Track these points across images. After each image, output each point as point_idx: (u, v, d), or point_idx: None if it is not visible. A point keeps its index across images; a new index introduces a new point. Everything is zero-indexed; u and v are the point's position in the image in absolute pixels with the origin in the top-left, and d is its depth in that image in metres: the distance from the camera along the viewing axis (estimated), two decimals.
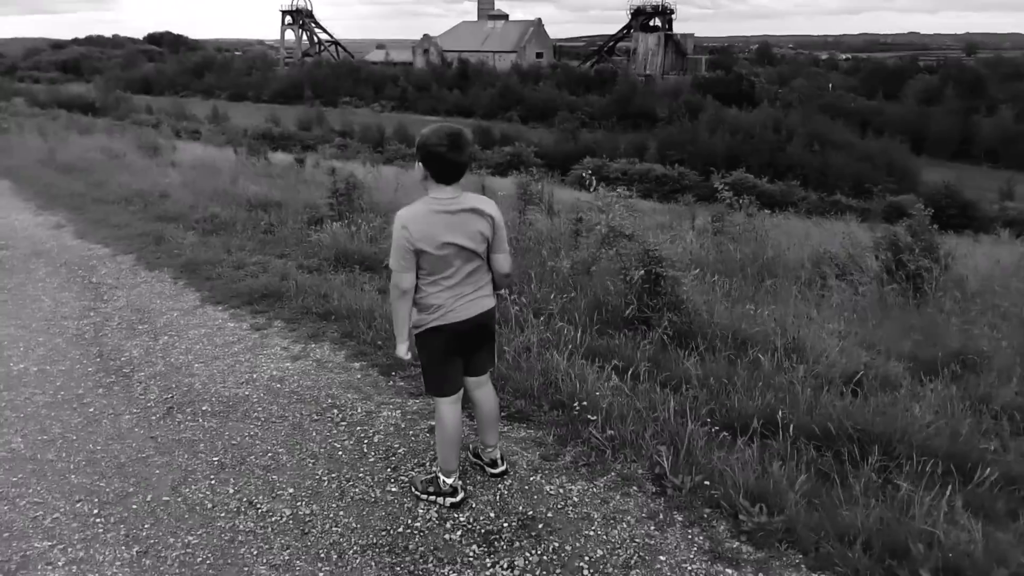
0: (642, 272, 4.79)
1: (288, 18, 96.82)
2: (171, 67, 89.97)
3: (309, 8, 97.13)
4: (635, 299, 4.73)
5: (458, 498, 2.85)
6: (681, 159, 44.62)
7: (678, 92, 67.58)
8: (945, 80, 66.67)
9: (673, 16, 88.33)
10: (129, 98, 59.44)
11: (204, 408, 3.71)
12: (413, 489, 2.94)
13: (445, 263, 2.57)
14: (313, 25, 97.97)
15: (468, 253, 2.59)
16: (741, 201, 8.79)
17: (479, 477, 3.03)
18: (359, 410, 3.59)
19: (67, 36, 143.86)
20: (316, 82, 78.09)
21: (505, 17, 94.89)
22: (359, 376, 3.98)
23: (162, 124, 36.57)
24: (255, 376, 4.06)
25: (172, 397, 3.85)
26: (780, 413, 3.15)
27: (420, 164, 2.56)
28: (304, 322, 4.87)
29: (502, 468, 3.02)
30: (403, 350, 2.71)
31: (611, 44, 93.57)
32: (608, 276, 5.01)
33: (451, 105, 71.04)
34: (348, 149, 37.94)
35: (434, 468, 2.98)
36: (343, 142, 45.03)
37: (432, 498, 2.87)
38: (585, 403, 3.27)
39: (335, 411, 3.60)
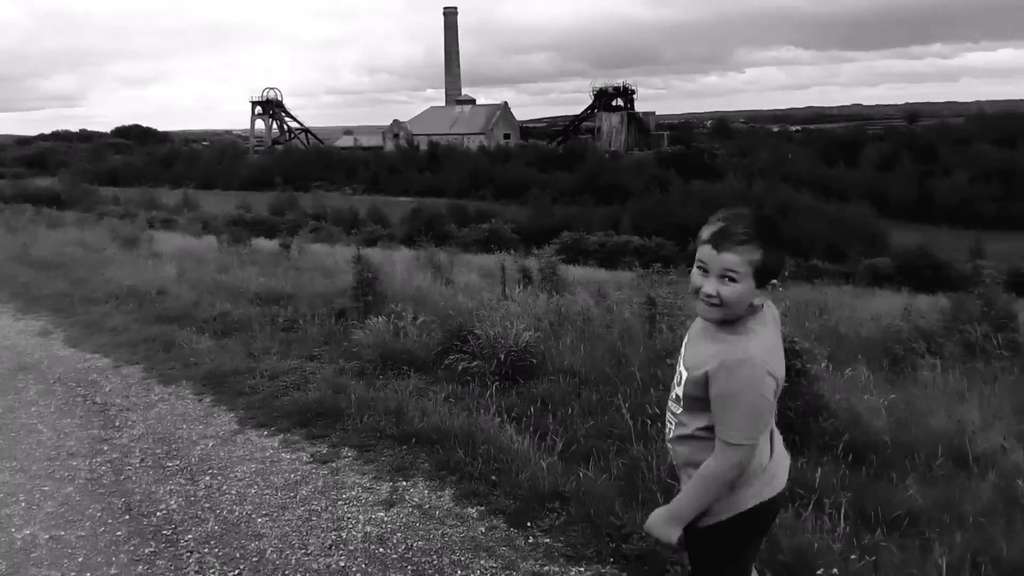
0: None
1: (258, 108, 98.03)
2: (139, 159, 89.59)
3: (279, 99, 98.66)
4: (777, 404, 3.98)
5: None
6: (656, 230, 45.05)
7: (643, 167, 69.28)
8: (897, 147, 69.78)
9: (635, 95, 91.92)
10: (96, 190, 58.41)
11: None
12: None
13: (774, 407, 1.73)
14: (283, 114, 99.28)
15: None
16: None
17: None
18: None
19: (34, 132, 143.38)
20: (286, 168, 78.26)
21: (472, 101, 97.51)
22: (483, 530, 3.07)
23: (134, 215, 35.54)
24: (345, 535, 3.12)
25: (241, 574, 2.89)
26: None
27: (754, 268, 1.61)
28: (379, 449, 3.96)
29: None
30: (678, 534, 1.77)
31: (576, 123, 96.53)
32: None
33: (423, 186, 71.54)
34: (322, 231, 37.42)
35: None
36: (317, 225, 44.54)
37: None
38: (836, 572, 2.41)
39: None
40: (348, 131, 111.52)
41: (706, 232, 1.66)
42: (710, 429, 1.71)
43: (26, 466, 4.07)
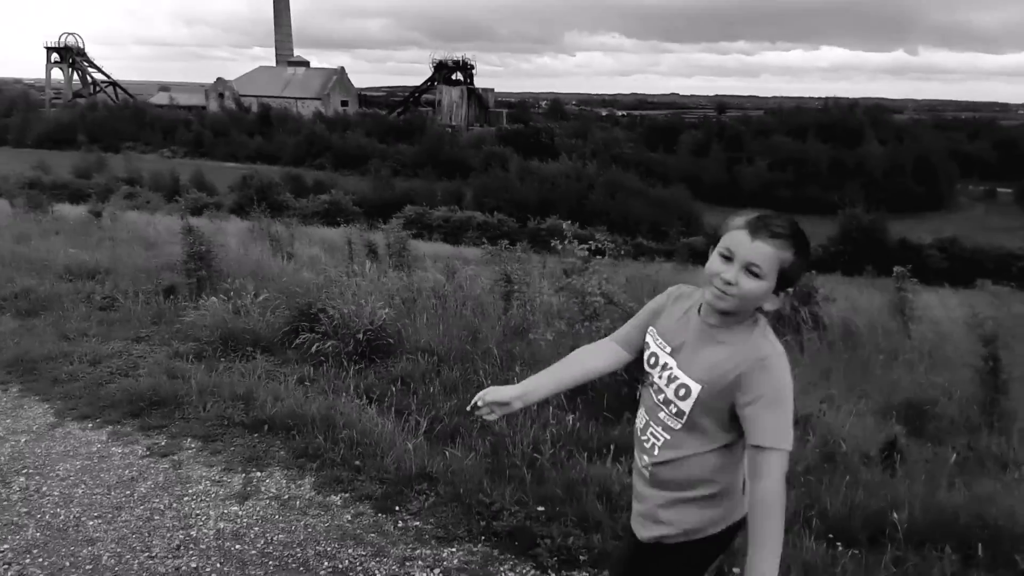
0: None
1: (55, 56, 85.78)
2: None
3: (80, 46, 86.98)
4: (624, 372, 4.24)
5: None
6: (498, 206, 45.92)
7: (483, 143, 70.02)
8: (709, 135, 76.37)
9: (474, 71, 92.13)
10: None
11: None
12: None
13: None
14: (85, 64, 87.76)
15: None
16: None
17: None
18: (379, 575, 2.62)
19: None
20: (92, 125, 69.59)
21: (306, 64, 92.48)
22: (349, 518, 2.97)
23: None
24: (195, 534, 2.88)
25: None
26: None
27: (781, 266, 1.48)
28: (227, 439, 3.69)
29: None
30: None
31: (416, 95, 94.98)
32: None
33: (253, 151, 67.02)
34: (138, 198, 33.91)
35: None
36: (132, 190, 40.26)
37: None
38: None
39: None
40: (164, 87, 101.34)
41: (741, 219, 1.53)
42: (728, 446, 1.57)
43: None
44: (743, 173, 63.26)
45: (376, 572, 2.62)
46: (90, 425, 3.90)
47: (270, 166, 59.27)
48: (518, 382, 1.79)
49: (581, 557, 2.65)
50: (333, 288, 6.24)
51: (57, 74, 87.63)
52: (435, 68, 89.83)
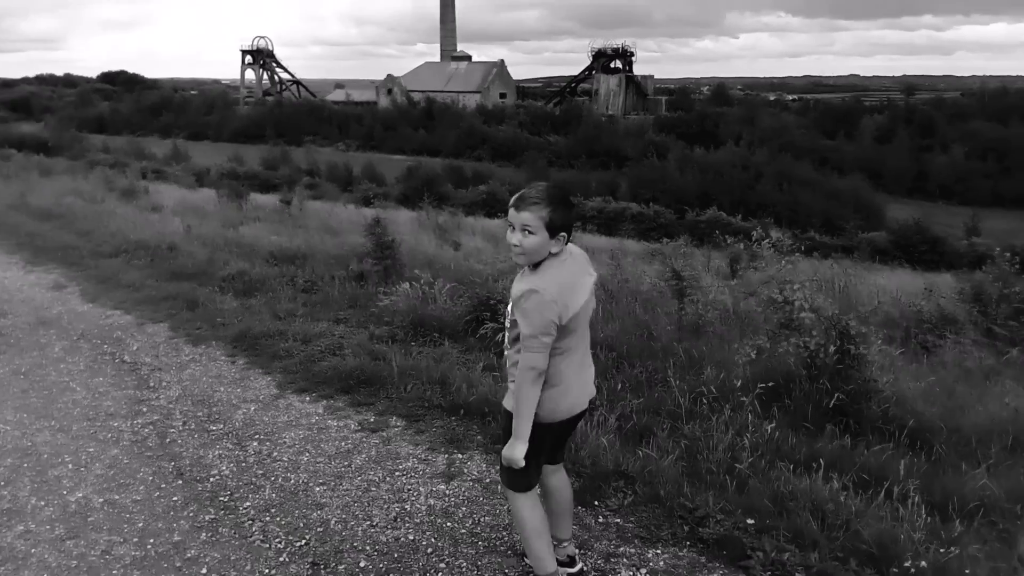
0: (834, 350, 4.04)
1: (249, 58, 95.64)
2: (127, 106, 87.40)
3: (270, 48, 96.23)
4: (827, 383, 3.97)
5: None
6: (654, 197, 44.79)
7: (642, 132, 68.56)
8: (894, 120, 69.34)
9: (633, 58, 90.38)
10: (84, 137, 57.14)
11: (362, 564, 2.73)
12: None
13: (583, 322, 2.34)
14: (274, 64, 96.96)
15: (590, 307, 2.36)
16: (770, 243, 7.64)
17: None
18: (584, 567, 2.66)
19: (16, 75, 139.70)
20: (278, 121, 76.76)
21: (469, 58, 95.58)
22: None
23: (125, 164, 34.84)
24: (408, 508, 3.09)
25: (308, 545, 2.86)
26: None
27: (544, 223, 2.16)
28: (429, 420, 3.92)
29: (579, 566, 2.60)
30: (523, 452, 2.24)
31: (573, 85, 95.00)
32: (785, 354, 4.22)
33: (418, 144, 70.52)
34: (317, 188, 36.91)
35: None
36: (311, 181, 43.95)
37: None
38: (924, 565, 2.40)
39: None
40: (339, 84, 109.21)
41: (512, 199, 2.18)
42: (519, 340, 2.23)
43: (66, 426, 4.01)
44: (934, 162, 56.88)
45: (584, 561, 2.66)
46: (307, 398, 4.31)
47: (432, 158, 62.12)
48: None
49: (796, 575, 2.51)
50: (507, 279, 6.42)
51: (249, 74, 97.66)
52: (593, 57, 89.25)
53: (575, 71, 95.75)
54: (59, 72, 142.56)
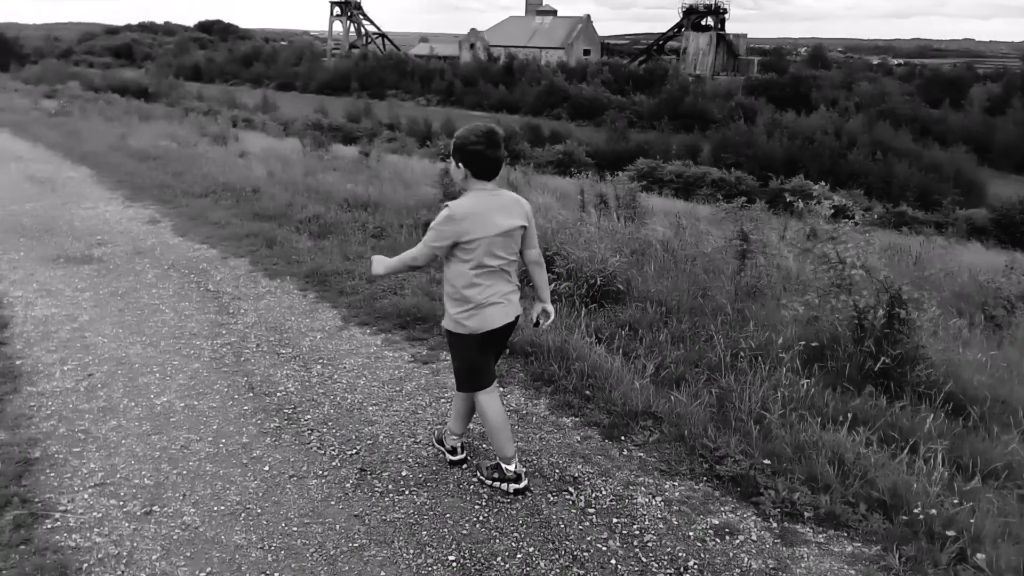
0: (882, 313, 4.02)
1: (337, 9, 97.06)
2: (221, 55, 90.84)
3: (358, 0, 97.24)
4: (873, 347, 3.96)
5: (522, 484, 2.87)
6: (737, 163, 43.34)
7: (730, 94, 65.94)
8: (1009, 89, 63.94)
9: (726, 16, 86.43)
10: (181, 84, 59.94)
11: (404, 474, 3.02)
12: (479, 474, 2.98)
13: (496, 253, 2.67)
14: (361, 17, 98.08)
15: (510, 243, 2.71)
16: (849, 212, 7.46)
17: None
18: (603, 492, 2.86)
19: (121, 22, 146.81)
20: (363, 74, 78.05)
21: (554, 13, 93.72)
22: (579, 439, 3.25)
23: (217, 112, 36.47)
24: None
25: (358, 454, 3.17)
26: None
27: (460, 164, 2.65)
28: None
29: (462, 456, 3.09)
30: (379, 274, 2.94)
31: (660, 43, 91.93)
32: (833, 315, 4.22)
33: (496, 101, 70.35)
34: (396, 141, 37.57)
35: (498, 462, 2.95)
36: (392, 135, 44.73)
37: (497, 484, 2.90)
38: (934, 512, 2.48)
39: (572, 491, 2.87)
40: (423, 38, 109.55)
41: None
42: (449, 263, 2.73)
43: (155, 342, 4.48)
44: None
45: (601, 488, 2.86)
46: (368, 331, 4.64)
47: (511, 115, 61.90)
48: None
49: (806, 514, 2.63)
50: (566, 233, 6.55)
51: (337, 27, 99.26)
52: (684, 13, 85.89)
53: (663, 28, 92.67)
54: (159, 20, 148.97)
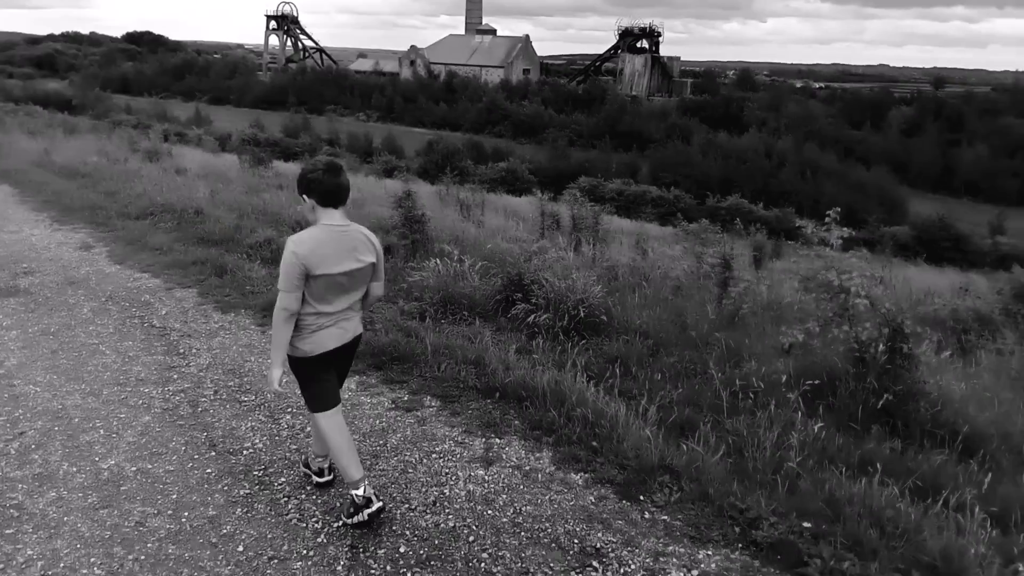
0: (883, 348, 3.90)
1: (273, 23, 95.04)
2: (151, 67, 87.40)
3: (295, 14, 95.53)
4: (875, 382, 3.83)
5: (374, 507, 2.75)
6: (675, 181, 44.34)
7: (666, 114, 67.70)
8: (923, 113, 67.94)
9: (660, 39, 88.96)
10: (108, 97, 57.25)
11: (402, 550, 2.66)
12: (342, 517, 2.85)
13: (339, 287, 2.73)
14: (298, 31, 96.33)
15: (357, 280, 2.78)
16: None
17: None
18: (632, 566, 2.57)
19: (43, 32, 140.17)
20: (300, 88, 76.48)
21: (493, 32, 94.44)
22: (593, 500, 2.96)
23: (148, 125, 34.87)
24: (447, 492, 3.01)
25: (347, 528, 2.79)
26: None
27: (305, 195, 2.73)
28: (464, 401, 3.84)
29: (328, 478, 3.08)
30: (277, 376, 2.72)
31: (598, 63, 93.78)
32: (831, 347, 4.09)
33: (438, 118, 70.07)
34: (337, 158, 36.75)
35: (347, 491, 2.85)
36: (332, 151, 43.81)
37: (358, 519, 2.76)
38: None
39: (596, 565, 2.57)
40: (362, 54, 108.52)
41: None
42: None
43: (96, 390, 3.96)
44: (961, 158, 55.80)
45: (629, 562, 2.58)
46: None
47: (453, 132, 61.73)
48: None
49: None
50: (537, 259, 6.31)
51: (273, 40, 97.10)
52: (620, 35, 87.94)
53: (599, 49, 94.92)
54: (84, 30, 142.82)
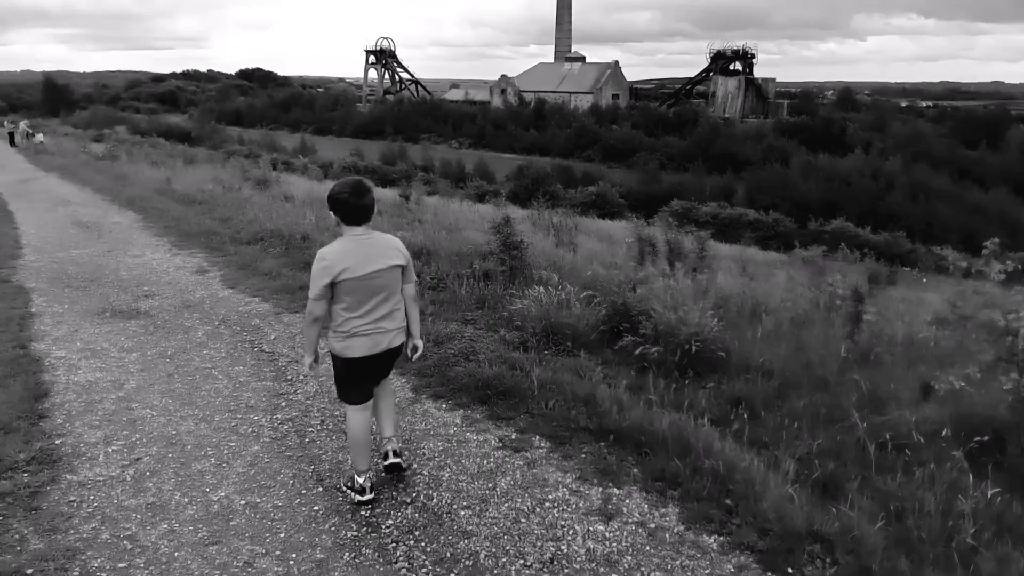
0: None
1: (372, 57, 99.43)
2: (261, 101, 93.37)
3: (392, 49, 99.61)
4: None
5: (366, 497, 3.07)
6: (773, 204, 42.60)
7: (761, 135, 65.57)
8: None
9: (754, 60, 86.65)
10: (223, 129, 61.37)
11: None
12: (340, 482, 3.23)
13: (367, 290, 2.93)
14: (395, 64, 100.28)
15: (384, 281, 2.98)
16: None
17: None
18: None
19: (166, 71, 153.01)
20: (397, 118, 79.35)
21: (582, 59, 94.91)
22: (732, 569, 2.62)
23: (258, 155, 36.98)
24: (565, 549, 2.76)
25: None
26: None
27: (332, 212, 2.98)
28: (576, 443, 3.59)
29: (397, 460, 3.27)
30: (308, 362, 3.13)
31: (688, 87, 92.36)
32: (998, 393, 3.57)
33: (527, 143, 70.77)
34: (431, 184, 37.63)
35: (352, 471, 3.16)
36: (426, 176, 44.98)
37: (347, 491, 3.13)
38: None
39: None
40: (454, 84, 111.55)
41: None
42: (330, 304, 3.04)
43: (208, 416, 3.98)
44: None
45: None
46: (444, 405, 4.09)
47: (542, 157, 62.14)
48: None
49: None
50: (646, 288, 5.99)
51: (372, 73, 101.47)
52: (712, 58, 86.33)
53: (688, 73, 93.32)
54: (203, 68, 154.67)
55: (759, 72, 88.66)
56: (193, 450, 3.58)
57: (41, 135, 28.80)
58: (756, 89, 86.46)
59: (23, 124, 31.81)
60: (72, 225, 10.35)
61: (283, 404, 4.15)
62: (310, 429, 3.83)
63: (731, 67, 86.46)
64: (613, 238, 15.05)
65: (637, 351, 4.84)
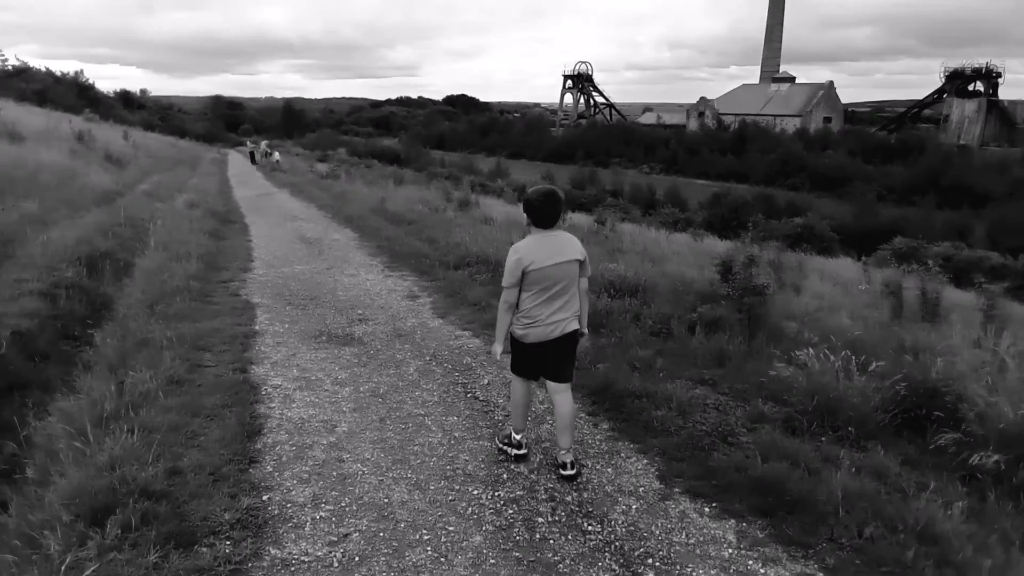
0: None
1: (569, 82, 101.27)
2: (462, 126, 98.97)
3: (590, 73, 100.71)
4: None
5: (522, 451, 3.62)
6: (1022, 247, 36.24)
7: (1007, 166, 56.72)
8: None
9: (1000, 80, 75.67)
10: (428, 152, 65.53)
11: None
12: (496, 439, 3.78)
13: (550, 280, 3.31)
14: (591, 89, 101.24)
15: (564, 272, 3.34)
16: None
17: None
18: None
19: (383, 97, 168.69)
20: (589, 142, 79.71)
21: (792, 80, 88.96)
22: None
23: (458, 178, 38.65)
24: None
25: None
26: None
27: (525, 215, 3.37)
28: None
29: (571, 471, 3.42)
30: (498, 350, 3.50)
31: (916, 110, 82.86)
32: None
33: (724, 169, 67.36)
34: (620, 209, 36.74)
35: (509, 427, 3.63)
36: (615, 202, 44.19)
37: (504, 447, 3.67)
38: None
39: None
40: (648, 108, 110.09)
41: None
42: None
43: (423, 482, 3.42)
44: None
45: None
46: (706, 509, 3.17)
47: (739, 184, 58.78)
48: None
49: None
50: (958, 360, 4.62)
51: (568, 98, 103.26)
52: (947, 78, 76.70)
53: (910, 95, 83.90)
54: (414, 95, 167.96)
55: (1004, 94, 77.31)
56: (407, 530, 3.00)
57: (277, 154, 32.21)
58: (1001, 113, 75.43)
59: (264, 144, 35.96)
60: (297, 240, 10.87)
61: (504, 476, 3.48)
62: (539, 520, 3.10)
63: (970, 88, 76.23)
64: (838, 278, 13.10)
65: (962, 456, 3.59)
